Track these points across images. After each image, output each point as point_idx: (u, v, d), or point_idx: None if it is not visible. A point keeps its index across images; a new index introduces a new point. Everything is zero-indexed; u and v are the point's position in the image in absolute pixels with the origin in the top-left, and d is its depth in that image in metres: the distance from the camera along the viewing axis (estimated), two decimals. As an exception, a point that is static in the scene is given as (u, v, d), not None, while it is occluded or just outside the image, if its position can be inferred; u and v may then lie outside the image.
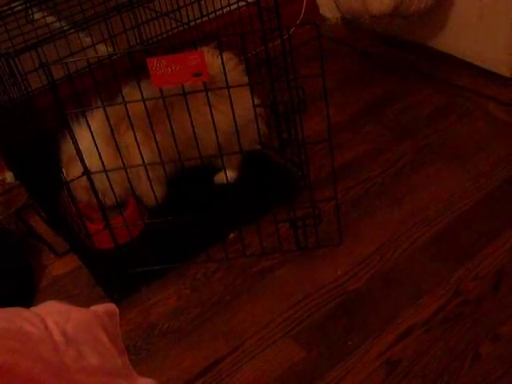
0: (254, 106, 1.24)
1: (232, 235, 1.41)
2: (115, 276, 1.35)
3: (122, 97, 1.21)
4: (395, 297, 1.23)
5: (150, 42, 1.67)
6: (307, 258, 1.35)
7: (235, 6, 1.48)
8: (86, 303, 1.31)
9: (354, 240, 1.37)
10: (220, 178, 1.51)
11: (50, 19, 1.55)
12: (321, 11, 2.27)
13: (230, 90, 1.15)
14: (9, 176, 1.74)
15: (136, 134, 1.24)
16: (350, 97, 1.85)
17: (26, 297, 1.38)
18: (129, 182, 1.31)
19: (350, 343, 1.17)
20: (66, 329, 0.64)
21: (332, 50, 2.09)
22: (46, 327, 0.63)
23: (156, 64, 1.02)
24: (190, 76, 1.04)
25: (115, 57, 1.30)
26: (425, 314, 1.19)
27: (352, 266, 1.31)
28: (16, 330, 0.61)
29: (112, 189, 1.29)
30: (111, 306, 0.75)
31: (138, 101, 1.16)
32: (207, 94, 1.13)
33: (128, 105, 1.18)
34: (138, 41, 1.71)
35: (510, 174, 1.47)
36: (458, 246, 1.32)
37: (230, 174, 1.49)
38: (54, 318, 0.65)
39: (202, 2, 1.57)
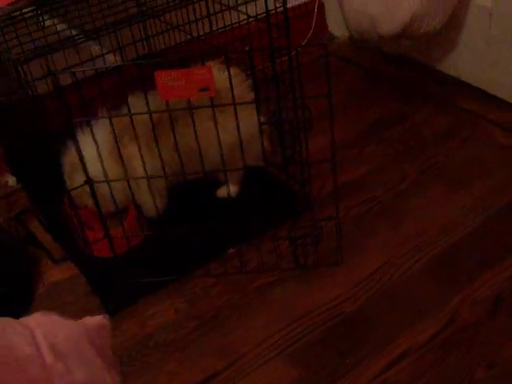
0: (260, 124, 1.24)
1: (232, 250, 1.41)
2: (113, 286, 1.34)
3: (128, 107, 1.22)
4: (392, 319, 1.23)
5: (159, 53, 1.67)
6: (306, 276, 1.34)
7: (245, 21, 1.49)
8: (82, 312, 1.33)
9: (353, 260, 1.36)
10: (222, 191, 1.52)
11: (60, 27, 1.56)
12: (329, 29, 2.28)
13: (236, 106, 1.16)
14: (11, 180, 1.74)
15: (139, 145, 1.24)
16: (355, 115, 1.85)
17: (23, 302, 1.37)
18: (130, 190, 1.31)
19: (346, 363, 1.16)
20: (55, 342, 0.64)
21: (340, 68, 2.10)
22: (35, 340, 0.63)
23: (164, 77, 1.02)
24: (197, 91, 1.04)
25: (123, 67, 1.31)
26: (421, 337, 1.19)
27: (350, 287, 1.31)
28: (3, 344, 0.61)
29: (113, 196, 1.29)
30: (102, 319, 0.75)
31: (143, 113, 1.17)
32: (213, 110, 1.13)
33: (133, 115, 1.19)
34: (147, 51, 1.72)
35: (508, 199, 1.47)
36: (456, 271, 1.32)
37: (232, 189, 1.49)
38: (43, 331, 0.65)
39: (213, 17, 1.58)
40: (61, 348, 0.64)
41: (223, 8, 1.51)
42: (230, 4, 1.44)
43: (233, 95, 1.13)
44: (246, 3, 1.44)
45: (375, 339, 1.20)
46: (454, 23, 1.80)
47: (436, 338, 1.18)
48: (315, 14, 2.18)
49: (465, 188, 1.52)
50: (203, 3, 1.55)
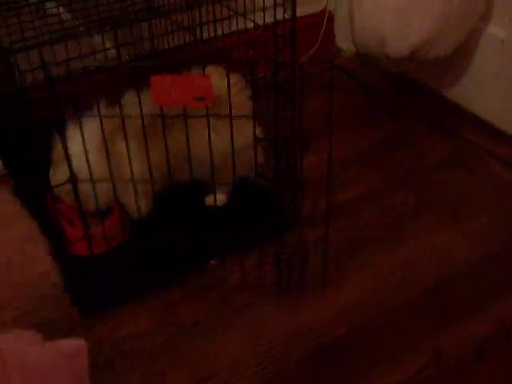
0: (255, 137, 1.20)
1: (213, 262, 1.37)
2: (87, 286, 1.31)
3: (120, 105, 1.19)
4: (373, 352, 1.19)
5: (162, 52, 1.64)
6: (288, 297, 1.30)
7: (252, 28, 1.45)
8: (56, 308, 1.28)
9: (338, 284, 1.32)
10: (211, 199, 1.48)
11: (65, 16, 1.53)
12: (336, 41, 2.24)
13: (232, 115, 1.12)
14: (-2, 164, 1.70)
15: (131, 145, 1.20)
16: (356, 134, 1.81)
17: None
18: (114, 190, 1.28)
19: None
20: (24, 362, 0.61)
21: (344, 82, 2.07)
22: (2, 359, 0.60)
23: (160, 82, 0.98)
24: (193, 99, 1.00)
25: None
26: (402, 374, 1.14)
27: (333, 312, 1.27)
28: None
29: (96, 195, 1.26)
30: (79, 342, 0.71)
31: (136, 116, 1.13)
32: (208, 119, 1.10)
33: (127, 113, 1.15)
34: (150, 49, 1.69)
35: (508, 238, 1.44)
36: (445, 307, 1.28)
37: (220, 197, 1.47)
38: (15, 349, 0.62)
39: (219, 22, 1.54)
40: (29, 368, 0.61)
41: (231, 13, 1.48)
42: (239, 11, 1.40)
43: (230, 107, 1.10)
44: (254, 11, 1.41)
45: (353, 372, 1.15)
46: (465, 51, 1.77)
47: (417, 376, 1.14)
48: (324, 25, 2.15)
49: (460, 222, 1.48)
50: (212, 7, 1.52)
